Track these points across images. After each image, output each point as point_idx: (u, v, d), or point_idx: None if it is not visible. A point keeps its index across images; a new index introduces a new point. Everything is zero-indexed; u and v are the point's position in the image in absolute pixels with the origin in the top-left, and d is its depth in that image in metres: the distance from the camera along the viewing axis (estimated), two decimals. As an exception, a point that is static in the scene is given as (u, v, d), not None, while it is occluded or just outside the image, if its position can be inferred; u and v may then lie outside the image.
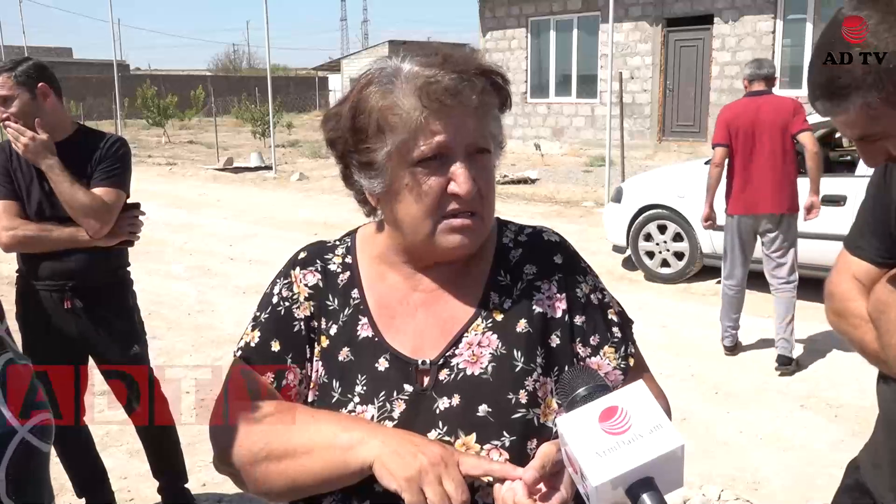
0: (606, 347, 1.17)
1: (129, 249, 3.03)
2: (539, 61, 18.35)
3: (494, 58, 18.71)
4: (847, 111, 1.23)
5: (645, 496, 0.79)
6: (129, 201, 2.89)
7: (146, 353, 3.11)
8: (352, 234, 1.28)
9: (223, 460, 1.12)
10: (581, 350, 1.17)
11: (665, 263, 6.93)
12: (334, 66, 37.85)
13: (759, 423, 4.15)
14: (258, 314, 1.21)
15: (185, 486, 3.29)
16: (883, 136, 1.25)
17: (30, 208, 2.77)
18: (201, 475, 3.50)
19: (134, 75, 40.48)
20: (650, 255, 6.99)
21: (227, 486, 3.46)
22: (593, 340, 1.17)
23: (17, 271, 2.96)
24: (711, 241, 6.50)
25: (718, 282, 6.69)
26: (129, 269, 3.07)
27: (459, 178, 1.07)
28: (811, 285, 5.76)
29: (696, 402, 4.43)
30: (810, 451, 3.82)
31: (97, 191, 2.75)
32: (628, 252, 7.23)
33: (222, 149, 19.38)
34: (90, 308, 2.89)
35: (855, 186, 5.73)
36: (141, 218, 2.95)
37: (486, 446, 1.07)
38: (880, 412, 1.56)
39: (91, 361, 3.04)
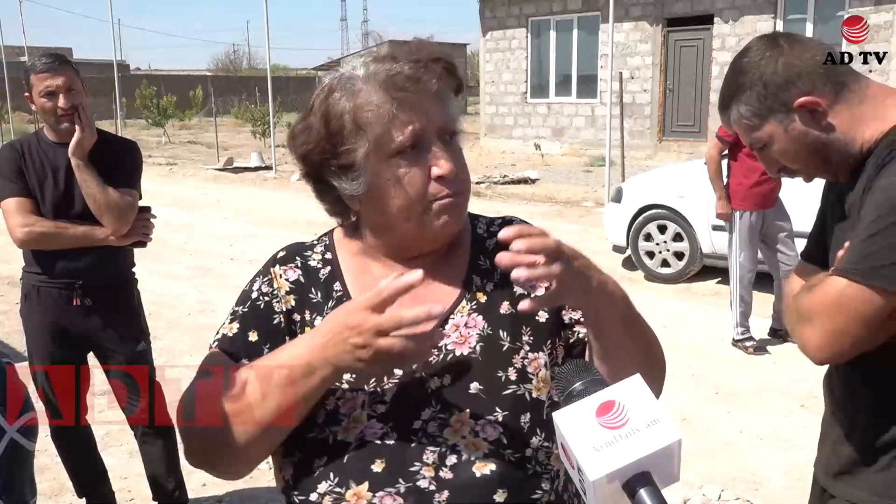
0: None
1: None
2: (539, 61, 18.34)
3: (494, 58, 18.75)
4: (730, 120, 1.54)
5: (642, 491, 0.79)
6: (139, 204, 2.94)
7: (150, 352, 3.12)
8: (329, 233, 1.31)
9: (192, 447, 1.12)
10: (573, 314, 1.20)
11: (665, 263, 6.93)
12: (334, 66, 37.84)
13: (759, 423, 4.15)
14: (237, 309, 1.23)
15: (183, 489, 3.27)
16: (765, 145, 1.50)
17: (44, 206, 2.79)
18: (201, 475, 3.49)
19: (134, 75, 40.48)
20: (650, 255, 6.99)
21: (228, 486, 3.47)
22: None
23: (22, 269, 2.97)
24: (711, 242, 6.50)
25: (719, 282, 6.72)
26: (134, 269, 3.09)
27: (440, 161, 1.11)
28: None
29: (696, 402, 4.43)
30: (810, 451, 3.77)
31: (120, 192, 2.80)
32: (628, 252, 7.23)
33: (222, 149, 19.38)
34: (98, 306, 2.91)
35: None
36: (151, 220, 2.99)
37: (481, 421, 1.10)
38: (830, 403, 1.65)
39: (93, 361, 3.05)
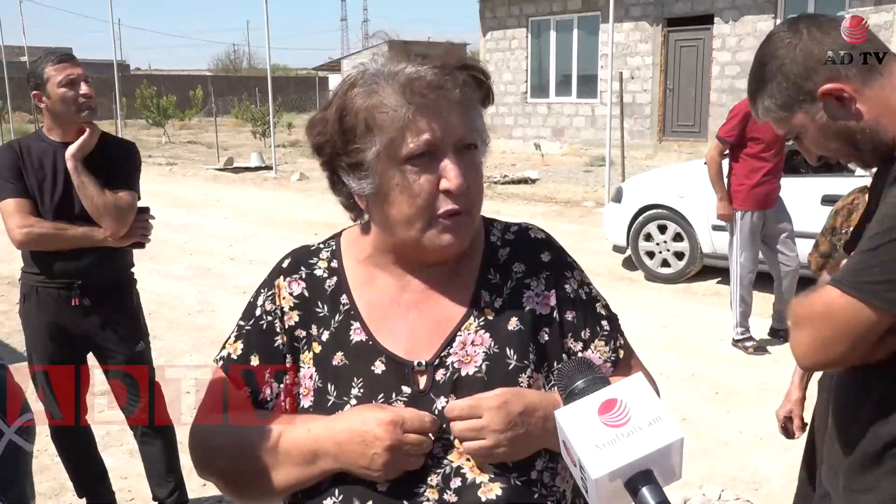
0: (597, 341, 1.20)
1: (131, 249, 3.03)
2: (539, 61, 18.34)
3: (494, 58, 18.74)
4: (758, 114, 1.48)
5: (644, 489, 0.79)
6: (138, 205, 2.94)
7: (149, 352, 3.12)
8: (336, 236, 1.28)
9: (205, 469, 1.18)
10: (573, 345, 1.18)
11: (665, 263, 6.93)
12: (334, 66, 37.80)
13: (759, 423, 4.14)
14: (242, 323, 1.23)
15: (183, 489, 3.27)
16: (796, 135, 1.46)
17: (44, 206, 2.78)
18: (201, 474, 3.49)
19: (134, 75, 40.47)
20: (650, 255, 6.99)
21: (227, 486, 3.45)
22: (584, 335, 1.19)
23: (21, 269, 2.97)
24: (711, 241, 6.50)
25: (719, 282, 6.71)
26: (133, 269, 3.09)
27: (450, 174, 1.07)
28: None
29: (696, 402, 4.43)
30: (810, 450, 3.81)
31: (118, 193, 2.81)
32: (628, 252, 7.22)
33: (222, 149, 19.37)
34: (97, 306, 2.91)
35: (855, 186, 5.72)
36: (150, 221, 2.99)
37: None
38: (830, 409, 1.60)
39: (92, 361, 3.04)
